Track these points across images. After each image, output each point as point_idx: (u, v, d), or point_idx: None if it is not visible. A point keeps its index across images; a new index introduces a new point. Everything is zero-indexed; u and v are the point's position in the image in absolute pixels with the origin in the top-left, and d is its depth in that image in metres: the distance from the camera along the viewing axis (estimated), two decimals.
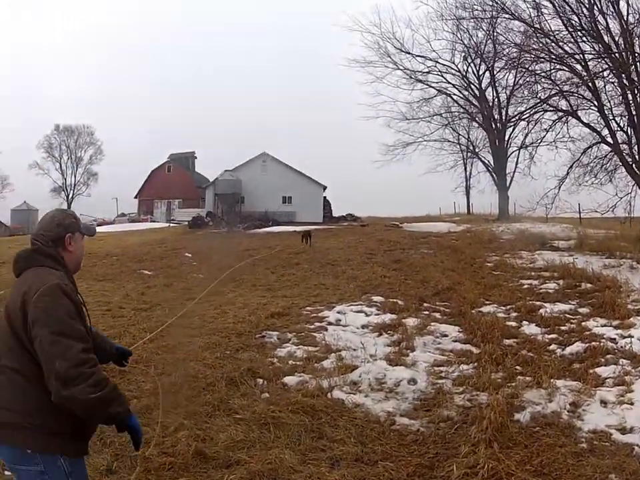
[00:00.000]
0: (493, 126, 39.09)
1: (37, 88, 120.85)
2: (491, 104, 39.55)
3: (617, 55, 21.02)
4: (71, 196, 72.37)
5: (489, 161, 40.92)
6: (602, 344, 8.79)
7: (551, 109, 26.08)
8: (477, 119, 40.79)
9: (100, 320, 10.78)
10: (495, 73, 38.13)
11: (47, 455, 2.77)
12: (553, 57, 23.89)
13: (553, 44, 23.51)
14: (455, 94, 40.47)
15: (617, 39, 21.63)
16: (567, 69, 23.88)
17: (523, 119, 28.99)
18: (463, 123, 43.68)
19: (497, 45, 33.04)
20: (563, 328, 10.13)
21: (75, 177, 73.39)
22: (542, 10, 23.60)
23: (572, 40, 23.00)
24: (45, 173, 72.07)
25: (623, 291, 12.40)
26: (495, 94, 39.17)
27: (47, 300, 2.79)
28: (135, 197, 64.65)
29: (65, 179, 73.04)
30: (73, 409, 2.70)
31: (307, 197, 45.12)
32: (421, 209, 48.81)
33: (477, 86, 39.85)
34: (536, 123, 30.74)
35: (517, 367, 8.20)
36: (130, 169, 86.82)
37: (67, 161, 72.77)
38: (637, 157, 21.67)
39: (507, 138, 38.78)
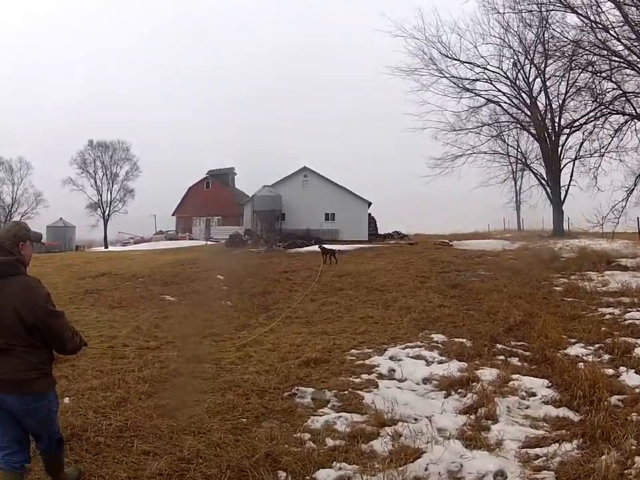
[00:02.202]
0: (546, 135, 36.47)
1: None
2: (543, 112, 37.04)
3: None
4: (107, 212, 71.47)
5: (541, 174, 38.38)
6: None
7: (614, 112, 23.12)
8: (528, 128, 38.31)
9: (96, 362, 9.08)
10: (546, 79, 35.71)
11: (51, 391, 4.57)
12: (611, 53, 21.31)
13: (613, 39, 20.98)
14: (504, 102, 38.27)
15: None
16: (627, 66, 21.23)
17: (587, 123, 25.80)
18: (512, 134, 41.48)
19: (548, 44, 30.63)
20: None
21: (110, 193, 72.56)
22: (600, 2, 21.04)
23: (635, 35, 20.35)
24: (79, 189, 71.38)
25: None
26: (547, 101, 36.62)
27: (49, 302, 4.43)
28: (173, 214, 63.83)
29: (101, 196, 72.09)
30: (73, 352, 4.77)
31: (350, 213, 42.76)
32: (469, 226, 46.43)
33: (528, 93, 37.44)
34: (591, 132, 27.98)
35: (633, 443, 5.87)
36: (169, 184, 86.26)
37: (102, 177, 71.99)
38: None
39: (560, 148, 36.15)
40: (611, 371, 8.36)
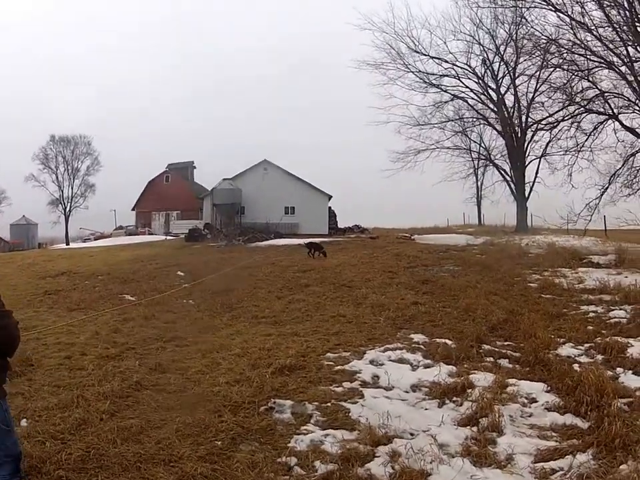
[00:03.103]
0: (512, 132, 36.57)
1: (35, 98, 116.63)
2: (510, 109, 37.17)
3: None
4: (68, 209, 68.74)
5: (505, 170, 38.56)
6: None
7: (592, 111, 22.92)
8: (494, 125, 38.36)
9: (53, 375, 8.12)
10: (516, 76, 35.86)
11: (4, 399, 4.19)
12: (591, 53, 21.11)
13: (594, 39, 20.79)
14: (471, 98, 38.22)
15: None
16: (606, 66, 21.07)
17: (563, 120, 25.46)
18: (476, 130, 41.45)
19: (523, 42, 30.51)
20: None
21: (71, 189, 69.77)
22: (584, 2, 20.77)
23: (618, 37, 20.22)
24: (41, 185, 68.56)
25: None
26: (515, 99, 36.77)
27: None
28: (133, 209, 61.92)
29: (62, 191, 69.21)
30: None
31: (311, 207, 41.91)
32: (428, 220, 46.31)
33: (496, 90, 37.52)
34: (560, 130, 27.81)
35: None
36: (128, 179, 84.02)
37: (63, 173, 69.18)
38: None
39: (526, 146, 36.33)
40: (609, 373, 7.87)
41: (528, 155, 36.44)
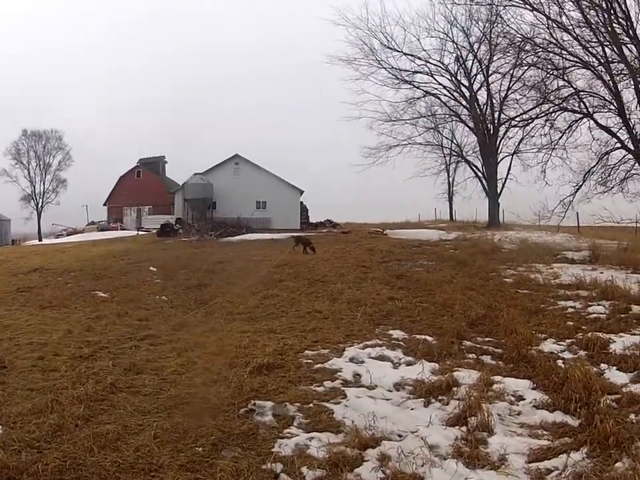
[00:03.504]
0: (484, 129, 36.82)
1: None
2: (483, 106, 37.39)
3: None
4: (40, 204, 67.02)
5: (477, 167, 38.76)
6: None
7: (567, 109, 23.02)
8: (466, 122, 38.55)
9: (26, 377, 7.70)
10: (489, 74, 36.02)
11: None
12: (568, 53, 21.25)
13: (573, 40, 20.96)
14: (444, 95, 38.24)
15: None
16: (582, 65, 21.22)
17: (538, 117, 25.49)
18: (448, 126, 41.70)
19: (498, 40, 30.54)
20: None
21: (43, 184, 68.04)
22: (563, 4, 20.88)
23: (596, 38, 20.42)
24: (13, 180, 66.52)
25: None
26: (488, 96, 36.97)
27: None
28: (104, 204, 60.77)
29: (34, 187, 67.40)
30: None
31: (282, 202, 41.43)
32: (399, 215, 46.34)
33: (468, 87, 37.65)
34: (533, 128, 27.93)
35: (639, 445, 5.39)
36: (100, 174, 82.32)
37: (35, 168, 67.37)
38: None
39: (498, 142, 36.53)
40: (594, 369, 7.73)
41: (500, 152, 36.66)
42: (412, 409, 6.73)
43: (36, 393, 6.97)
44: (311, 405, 6.68)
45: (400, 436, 5.89)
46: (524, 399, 6.98)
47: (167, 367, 8.02)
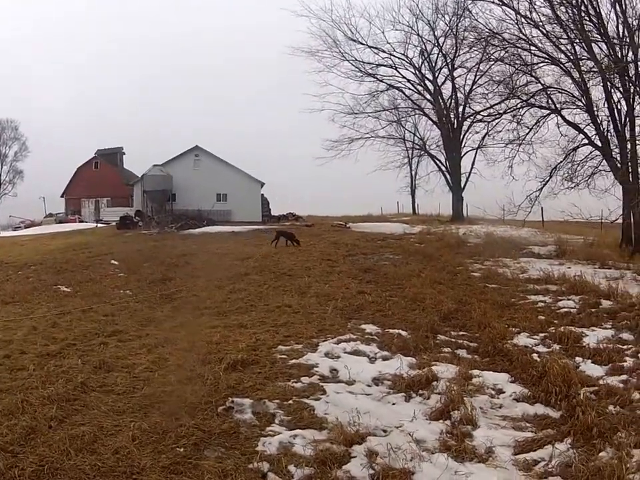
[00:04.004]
0: (448, 124, 37.02)
1: None
2: (447, 101, 37.58)
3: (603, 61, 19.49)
4: None
5: (440, 160, 38.92)
6: None
7: (535, 105, 23.21)
8: (430, 115, 38.67)
9: None
10: (454, 68, 36.27)
11: None
12: (537, 49, 21.51)
13: (542, 36, 21.25)
14: (409, 88, 38.21)
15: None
16: (550, 62, 21.55)
17: (506, 113, 25.40)
18: (411, 120, 41.78)
19: (464, 34, 30.76)
20: (623, 364, 7.86)
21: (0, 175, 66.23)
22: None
23: (566, 35, 20.82)
24: None
25: None
26: (453, 90, 37.14)
27: None
28: (62, 196, 58.90)
29: None
30: None
31: (243, 194, 40.66)
32: (361, 209, 46.28)
33: (433, 81, 37.75)
34: (497, 123, 28.02)
35: (622, 437, 5.49)
36: (57, 165, 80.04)
37: None
38: (617, 163, 19.96)
39: (462, 137, 36.80)
40: (569, 363, 7.74)
41: (464, 146, 36.92)
42: (393, 404, 6.67)
43: (5, 394, 6.65)
44: (290, 401, 6.52)
45: (385, 431, 5.82)
46: (504, 392, 7.03)
47: (138, 364, 7.74)
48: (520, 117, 23.33)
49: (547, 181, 21.44)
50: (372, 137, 39.18)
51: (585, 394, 6.58)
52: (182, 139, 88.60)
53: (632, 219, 19.49)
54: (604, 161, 20.30)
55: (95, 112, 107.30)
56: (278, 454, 5.22)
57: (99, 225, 41.17)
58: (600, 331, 9.52)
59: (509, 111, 23.45)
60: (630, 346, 8.61)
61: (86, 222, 47.94)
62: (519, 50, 22.36)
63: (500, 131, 25.37)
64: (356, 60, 37.04)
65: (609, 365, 7.87)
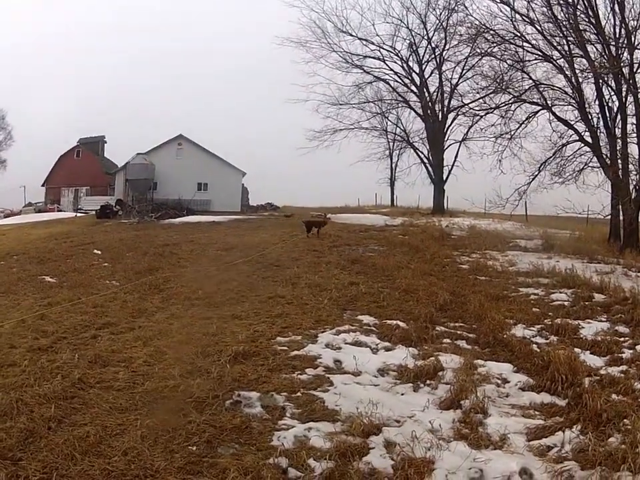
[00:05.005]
0: (433, 117, 37.22)
1: None
2: (434, 94, 37.86)
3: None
4: None
5: (423, 153, 39.21)
6: None
7: (526, 101, 23.29)
8: (414, 108, 38.89)
9: None
10: (442, 62, 36.64)
11: None
12: (531, 46, 21.63)
13: (536, 33, 21.37)
14: (395, 80, 38.46)
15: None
16: (543, 59, 21.64)
17: (498, 107, 25.32)
18: (395, 112, 41.88)
19: (456, 28, 31.13)
20: (622, 355, 7.99)
21: None
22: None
23: (561, 33, 20.98)
24: None
25: None
26: (439, 84, 37.45)
27: None
28: (43, 185, 57.90)
29: None
30: None
31: (224, 183, 40.50)
32: (338, 200, 46.28)
33: (419, 74, 37.98)
34: (485, 115, 28.07)
35: (626, 422, 5.62)
36: (39, 153, 78.39)
37: None
38: (607, 160, 20.21)
39: (446, 130, 37.15)
40: (573, 352, 7.85)
41: (447, 139, 37.19)
42: (402, 394, 6.60)
43: None
44: (299, 393, 6.38)
45: (398, 422, 5.74)
46: (509, 382, 7.06)
47: (135, 357, 7.45)
48: (511, 113, 23.36)
49: (536, 175, 21.60)
50: (355, 128, 39.41)
51: (590, 383, 6.67)
52: (166, 128, 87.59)
53: (621, 215, 19.70)
54: (593, 157, 20.46)
55: (79, 99, 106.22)
56: (295, 448, 5.06)
57: (78, 214, 40.69)
58: (595, 323, 9.62)
59: (501, 105, 23.44)
60: (627, 338, 8.74)
61: (64, 211, 47.22)
62: (512, 46, 22.35)
63: (492, 125, 25.40)
64: (344, 51, 37.24)
65: (608, 356, 7.99)
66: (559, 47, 21.22)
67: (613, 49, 19.73)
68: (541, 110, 22.82)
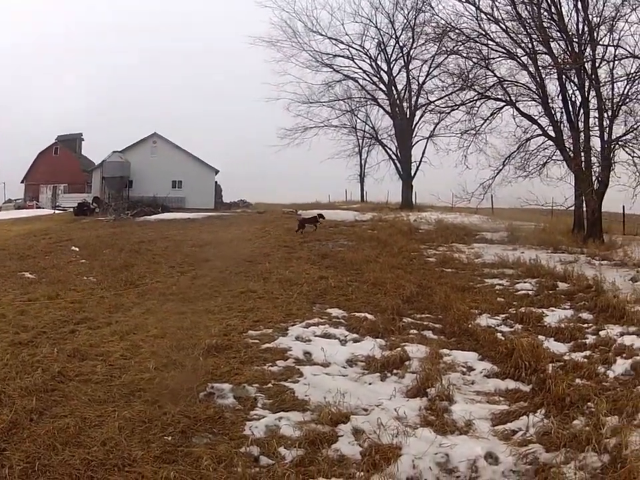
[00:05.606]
0: (401, 114, 37.66)
1: None
2: (401, 91, 38.32)
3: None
4: None
5: (391, 149, 39.58)
6: None
7: (491, 97, 23.61)
8: (383, 106, 39.35)
9: None
10: (409, 60, 37.17)
11: None
12: (495, 44, 22.03)
13: (501, 31, 21.76)
14: (364, 79, 38.96)
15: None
16: (508, 57, 22.05)
17: (464, 104, 25.58)
18: (364, 110, 42.21)
19: (422, 28, 31.62)
20: (585, 341, 8.25)
21: None
22: None
23: (525, 31, 21.41)
24: None
25: (607, 290, 10.71)
26: (407, 82, 37.96)
27: None
28: (22, 182, 57.23)
29: None
30: None
31: (197, 181, 40.80)
32: (309, 196, 46.18)
33: (388, 72, 38.48)
34: (449, 113, 28.45)
35: (590, 405, 5.88)
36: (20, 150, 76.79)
37: None
38: (570, 153, 20.58)
39: (414, 127, 37.60)
40: (536, 339, 8.22)
41: (415, 136, 37.70)
42: (370, 384, 6.85)
43: None
44: (269, 384, 6.61)
45: (366, 410, 5.98)
46: (474, 369, 7.34)
47: (112, 351, 7.63)
48: (476, 109, 23.70)
49: (500, 170, 21.96)
50: (325, 125, 39.88)
51: (553, 368, 6.95)
52: (141, 126, 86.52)
53: (584, 206, 20.22)
54: (557, 151, 20.94)
55: (60, 97, 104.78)
56: (266, 437, 5.29)
57: (56, 212, 40.47)
58: (559, 311, 9.87)
59: (466, 102, 23.76)
60: (590, 324, 9.01)
61: (43, 208, 46.88)
62: (478, 44, 22.72)
63: (457, 122, 25.67)
64: (314, 50, 37.71)
65: (572, 342, 8.25)
66: (522, 45, 21.55)
67: (575, 45, 20.17)
68: (505, 106, 23.16)
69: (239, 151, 77.45)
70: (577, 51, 19.93)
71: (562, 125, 21.21)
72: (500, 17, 21.63)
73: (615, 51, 19.11)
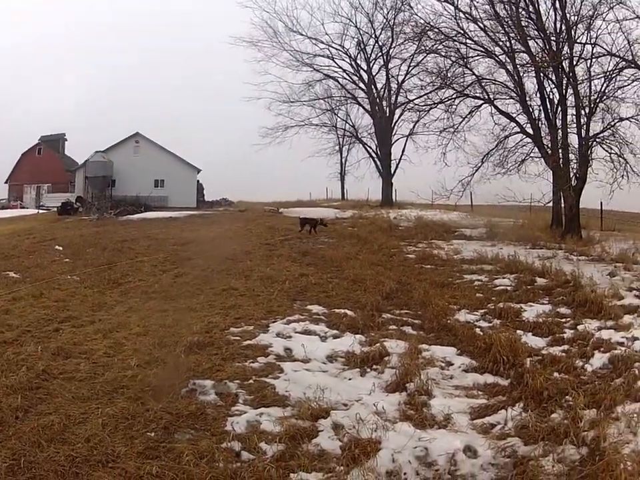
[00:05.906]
0: (381, 112, 37.88)
1: None
2: (381, 90, 38.52)
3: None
4: None
5: (371, 148, 39.73)
6: (625, 352, 7.35)
7: (469, 96, 23.81)
8: (363, 104, 39.48)
9: None
10: (389, 59, 37.36)
11: None
12: (473, 42, 22.21)
13: (479, 30, 21.96)
14: (344, 78, 39.05)
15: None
16: (486, 55, 22.27)
17: (443, 102, 25.60)
18: (345, 108, 42.36)
19: (402, 27, 31.76)
20: (564, 335, 8.44)
21: None
22: None
23: (502, 30, 21.62)
24: None
25: (585, 285, 10.86)
26: (386, 80, 38.12)
27: None
28: (6, 182, 56.92)
29: None
30: None
31: (180, 180, 40.82)
32: (291, 194, 46.25)
33: (367, 71, 38.72)
34: (428, 111, 28.64)
35: (568, 398, 6.04)
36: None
37: None
38: (548, 150, 20.82)
39: (393, 125, 37.74)
40: (514, 334, 8.38)
41: (395, 134, 37.82)
42: (350, 379, 6.97)
43: None
44: (251, 381, 6.70)
45: (345, 405, 6.09)
46: (453, 364, 7.48)
47: (96, 349, 7.69)
48: (454, 107, 23.88)
49: (479, 167, 22.16)
50: (306, 124, 40.03)
51: (531, 362, 7.12)
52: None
53: (562, 203, 20.50)
54: (535, 148, 21.21)
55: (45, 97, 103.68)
56: (247, 432, 5.40)
57: (40, 211, 40.48)
58: (537, 306, 10.04)
59: (445, 100, 23.93)
60: (568, 319, 9.19)
61: (27, 208, 46.90)
62: (456, 43, 22.89)
63: (436, 120, 25.82)
64: (294, 50, 37.78)
65: (550, 336, 8.43)
66: (500, 43, 21.76)
67: (553, 43, 20.44)
68: (483, 104, 23.35)
69: (221, 150, 77.52)
70: (555, 49, 20.14)
71: (540, 122, 21.43)
72: (478, 16, 21.81)
73: (593, 49, 19.27)
